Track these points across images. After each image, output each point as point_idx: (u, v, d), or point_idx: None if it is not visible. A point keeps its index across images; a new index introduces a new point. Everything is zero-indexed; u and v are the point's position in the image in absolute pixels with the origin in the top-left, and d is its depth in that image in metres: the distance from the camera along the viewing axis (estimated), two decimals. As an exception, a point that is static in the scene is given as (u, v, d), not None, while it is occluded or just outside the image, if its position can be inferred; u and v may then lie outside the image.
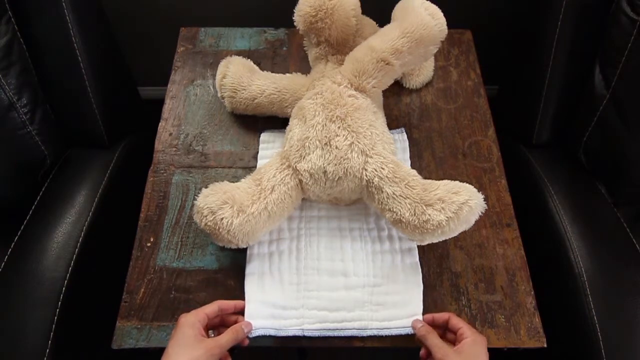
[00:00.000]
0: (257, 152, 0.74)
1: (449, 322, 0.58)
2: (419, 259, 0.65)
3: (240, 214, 0.57)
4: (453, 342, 0.56)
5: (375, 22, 0.74)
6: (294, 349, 0.58)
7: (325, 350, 0.59)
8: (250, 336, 0.58)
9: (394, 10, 0.66)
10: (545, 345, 0.60)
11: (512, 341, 0.61)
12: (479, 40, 0.88)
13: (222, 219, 0.57)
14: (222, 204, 0.57)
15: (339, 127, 0.60)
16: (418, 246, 0.65)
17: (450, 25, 0.62)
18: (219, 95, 0.76)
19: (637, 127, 0.74)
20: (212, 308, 0.57)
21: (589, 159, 0.84)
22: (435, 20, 0.61)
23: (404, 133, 0.75)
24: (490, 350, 0.60)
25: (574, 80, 0.82)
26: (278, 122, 0.74)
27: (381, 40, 0.62)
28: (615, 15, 0.73)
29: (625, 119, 0.75)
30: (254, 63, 0.77)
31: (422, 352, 0.57)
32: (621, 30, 0.72)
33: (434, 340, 0.55)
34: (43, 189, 0.81)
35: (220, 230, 0.57)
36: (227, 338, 0.55)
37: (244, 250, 0.63)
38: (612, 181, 0.82)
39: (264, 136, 0.75)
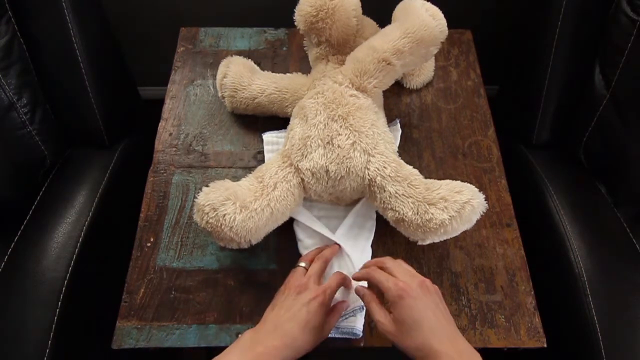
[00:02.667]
0: (257, 152, 0.74)
1: (370, 281, 0.56)
2: (419, 259, 0.65)
3: (243, 210, 0.57)
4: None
5: (375, 23, 0.74)
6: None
7: (326, 351, 0.59)
8: None
9: (394, 11, 0.66)
10: (545, 345, 0.60)
11: (512, 341, 0.61)
12: (479, 40, 0.88)
13: (224, 215, 0.56)
14: (224, 200, 0.56)
15: (340, 126, 0.60)
16: (418, 246, 0.65)
17: (450, 25, 0.63)
18: (219, 94, 0.76)
19: (637, 127, 0.74)
20: (336, 288, 0.57)
21: (589, 159, 0.84)
22: (436, 21, 0.61)
23: (398, 124, 0.75)
24: (490, 350, 0.60)
25: (574, 80, 0.83)
26: (278, 122, 0.74)
27: (382, 41, 0.62)
28: (615, 15, 0.73)
29: (625, 119, 0.75)
30: (254, 63, 0.76)
31: None
32: (621, 30, 0.72)
33: (374, 313, 0.52)
34: (43, 189, 0.81)
35: (223, 227, 0.56)
36: (335, 319, 0.56)
37: (244, 250, 0.63)
38: (612, 181, 0.82)
39: (267, 137, 0.75)
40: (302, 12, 0.65)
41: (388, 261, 0.55)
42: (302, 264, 0.59)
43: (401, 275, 0.52)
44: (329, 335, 0.59)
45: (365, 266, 0.58)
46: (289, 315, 0.52)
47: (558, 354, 0.69)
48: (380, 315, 0.52)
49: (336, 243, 0.64)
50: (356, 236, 0.65)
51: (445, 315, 0.51)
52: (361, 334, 0.59)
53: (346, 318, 0.59)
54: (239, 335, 0.54)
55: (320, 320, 0.53)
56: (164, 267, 0.65)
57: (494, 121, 0.79)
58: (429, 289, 0.52)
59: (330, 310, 0.56)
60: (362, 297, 0.56)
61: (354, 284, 0.59)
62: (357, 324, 0.59)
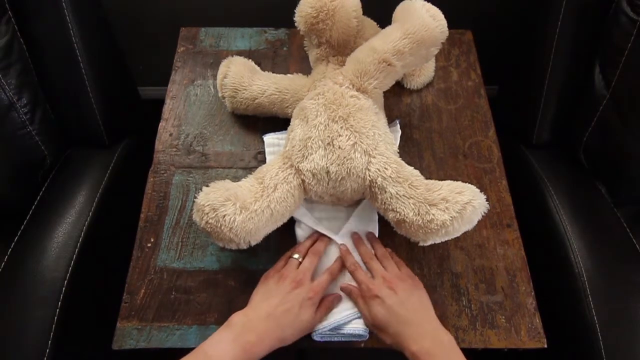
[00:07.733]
0: (258, 153, 0.74)
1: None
2: (420, 260, 0.65)
3: (243, 211, 0.56)
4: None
5: (376, 23, 0.74)
6: (292, 350, 0.57)
7: (325, 351, 0.59)
8: None
9: (395, 12, 0.66)
10: (545, 346, 0.60)
11: (512, 342, 0.61)
12: (479, 40, 0.88)
13: (224, 216, 0.56)
14: (224, 200, 0.56)
15: (341, 127, 0.60)
16: (419, 247, 0.65)
17: (450, 25, 0.62)
18: (219, 95, 0.76)
19: (637, 127, 0.75)
20: (327, 287, 0.60)
21: (589, 159, 0.84)
22: (437, 22, 0.61)
23: (398, 125, 0.76)
24: (490, 350, 0.60)
25: (574, 80, 0.83)
26: (279, 123, 0.74)
27: (383, 42, 0.62)
28: (615, 15, 0.73)
29: (625, 119, 0.75)
30: (255, 63, 0.76)
31: None
32: (621, 30, 0.72)
33: (360, 309, 0.59)
34: (43, 189, 0.81)
35: (222, 228, 0.56)
36: (322, 315, 0.60)
37: (245, 250, 0.63)
38: (612, 181, 0.82)
39: (268, 139, 0.75)
40: (303, 13, 0.65)
41: (370, 260, 0.62)
42: (296, 256, 0.62)
43: (377, 274, 0.60)
44: (336, 340, 0.59)
45: (351, 262, 0.63)
46: (284, 308, 0.56)
47: (558, 354, 0.69)
48: (365, 312, 0.58)
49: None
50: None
51: (415, 306, 0.57)
52: (367, 336, 0.60)
53: (351, 322, 0.60)
54: (229, 319, 0.55)
55: (310, 317, 0.57)
56: (165, 268, 0.65)
57: (494, 121, 0.79)
58: (398, 287, 0.57)
59: (318, 306, 0.59)
60: (349, 294, 0.61)
61: (347, 278, 0.63)
62: (362, 325, 0.60)
